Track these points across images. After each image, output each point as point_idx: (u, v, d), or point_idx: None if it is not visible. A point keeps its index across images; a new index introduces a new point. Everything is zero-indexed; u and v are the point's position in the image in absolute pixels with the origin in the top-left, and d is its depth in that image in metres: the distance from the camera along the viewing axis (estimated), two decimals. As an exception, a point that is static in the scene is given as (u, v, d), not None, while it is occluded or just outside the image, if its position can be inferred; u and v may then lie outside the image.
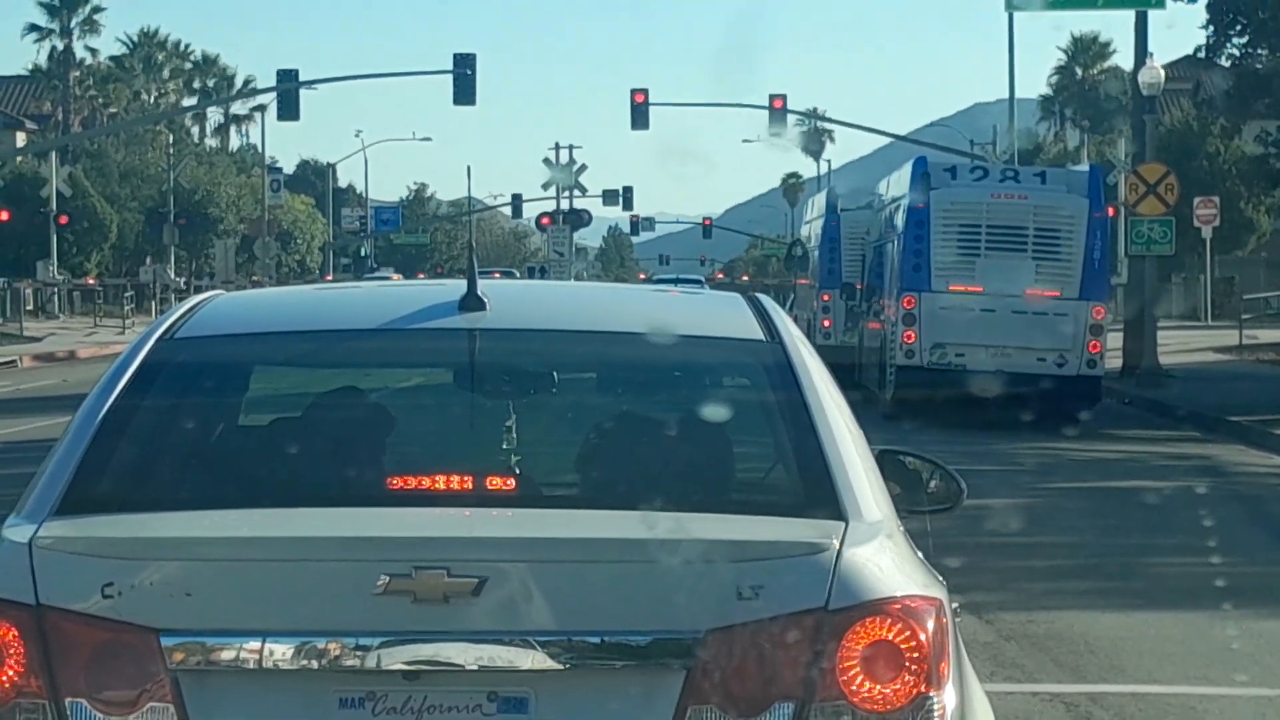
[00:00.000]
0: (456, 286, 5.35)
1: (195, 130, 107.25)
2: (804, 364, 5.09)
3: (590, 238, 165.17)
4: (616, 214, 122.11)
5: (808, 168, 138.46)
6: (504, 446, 5.18)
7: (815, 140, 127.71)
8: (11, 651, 4.23)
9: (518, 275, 75.83)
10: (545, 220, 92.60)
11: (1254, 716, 9.50)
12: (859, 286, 33.68)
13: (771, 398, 5.08)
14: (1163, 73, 36.05)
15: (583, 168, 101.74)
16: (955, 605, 4.59)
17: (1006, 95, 55.12)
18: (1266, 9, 37.39)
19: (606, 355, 5.42)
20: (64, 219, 70.19)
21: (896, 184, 30.37)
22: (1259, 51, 38.77)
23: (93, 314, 68.00)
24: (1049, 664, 10.50)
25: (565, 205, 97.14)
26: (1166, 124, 58.68)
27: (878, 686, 4.27)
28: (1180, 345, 41.82)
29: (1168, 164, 36.43)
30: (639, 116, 56.69)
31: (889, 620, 4.28)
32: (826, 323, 37.75)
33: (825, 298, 38.18)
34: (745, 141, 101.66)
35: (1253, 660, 10.54)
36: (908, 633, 4.29)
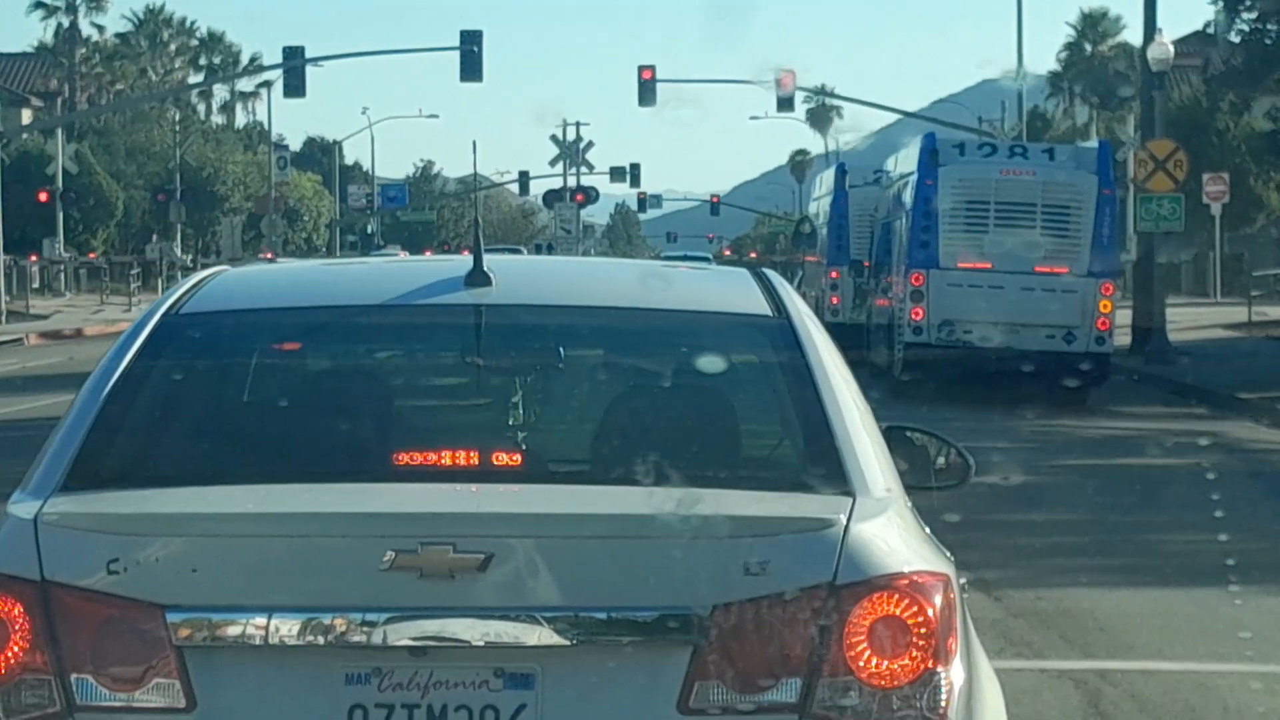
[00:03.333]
0: (463, 262, 5.34)
1: (201, 107, 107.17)
2: (811, 339, 5.08)
3: (598, 215, 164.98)
4: (624, 191, 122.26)
5: (816, 145, 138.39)
6: (510, 422, 5.16)
7: (823, 115, 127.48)
8: (16, 627, 4.23)
9: (524, 253, 75.75)
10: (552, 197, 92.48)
11: (1264, 692, 9.47)
12: (867, 264, 33.61)
13: (778, 373, 5.07)
14: (1172, 49, 35.92)
15: (590, 144, 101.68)
16: (963, 581, 4.58)
17: (1015, 72, 55.05)
18: (1275, -16, 37.29)
19: (613, 330, 5.41)
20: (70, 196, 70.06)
21: (905, 161, 30.31)
22: (1268, 27, 38.66)
23: (99, 291, 67.92)
24: (1057, 641, 10.48)
25: (572, 182, 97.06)
26: (1176, 100, 58.52)
27: (885, 662, 4.25)
28: (1189, 322, 41.76)
29: (1177, 140, 36.33)
30: (646, 93, 56.62)
31: (896, 596, 4.27)
32: (834, 300, 37.64)
33: (833, 275, 38.07)
34: (753, 119, 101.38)
35: (1262, 636, 10.52)
36: (915, 608, 4.27)
